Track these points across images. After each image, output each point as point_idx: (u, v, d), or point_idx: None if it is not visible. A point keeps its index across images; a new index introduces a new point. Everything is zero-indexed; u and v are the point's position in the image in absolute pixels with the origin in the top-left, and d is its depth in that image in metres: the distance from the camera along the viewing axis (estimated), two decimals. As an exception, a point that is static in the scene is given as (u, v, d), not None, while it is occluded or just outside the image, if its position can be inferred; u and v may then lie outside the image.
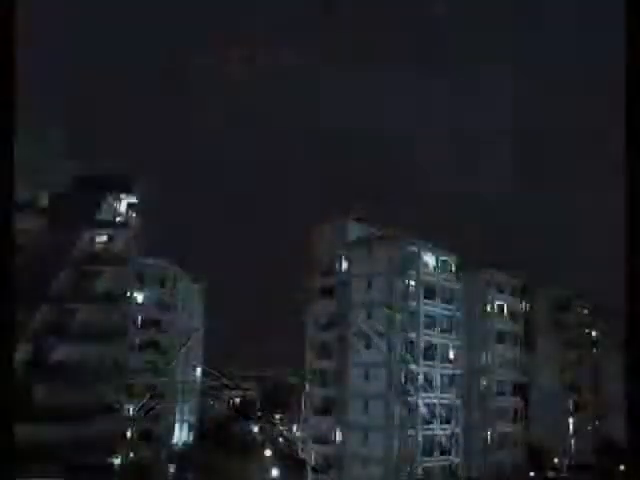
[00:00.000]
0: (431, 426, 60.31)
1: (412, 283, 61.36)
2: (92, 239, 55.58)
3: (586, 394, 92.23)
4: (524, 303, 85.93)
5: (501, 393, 74.19)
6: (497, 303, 75.64)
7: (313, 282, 69.26)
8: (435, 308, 63.32)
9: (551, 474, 78.06)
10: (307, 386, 70.74)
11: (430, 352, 61.82)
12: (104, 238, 56.12)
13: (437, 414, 61.28)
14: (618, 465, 70.24)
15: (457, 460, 61.93)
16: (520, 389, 78.31)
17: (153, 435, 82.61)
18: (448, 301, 65.10)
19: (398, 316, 59.59)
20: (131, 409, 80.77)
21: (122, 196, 56.17)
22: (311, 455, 65.28)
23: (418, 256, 62.37)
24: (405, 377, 59.07)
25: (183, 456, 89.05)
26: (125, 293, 58.67)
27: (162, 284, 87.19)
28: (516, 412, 76.49)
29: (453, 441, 62.12)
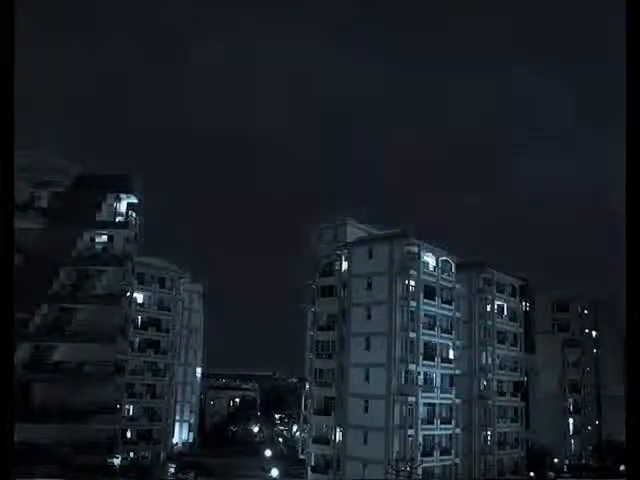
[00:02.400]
0: (431, 426, 60.24)
1: (412, 283, 61.28)
2: (92, 239, 55.57)
3: (586, 394, 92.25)
4: (524, 303, 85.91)
5: (501, 393, 74.14)
6: (497, 303, 75.61)
7: (313, 282, 69.27)
8: (435, 308, 63.28)
9: (551, 474, 78.00)
10: (307, 386, 70.71)
11: (430, 352, 61.75)
12: (104, 238, 56.09)
13: (437, 414, 61.21)
14: (618, 465, 70.28)
15: (457, 460, 61.83)
16: (520, 389, 78.28)
17: (153, 435, 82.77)
18: (448, 301, 65.05)
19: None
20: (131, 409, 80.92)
21: (122, 196, 56.12)
22: (311, 455, 65.21)
23: (418, 256, 62.28)
24: (405, 377, 59.00)
25: (183, 456, 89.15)
26: (125, 293, 58.61)
27: (162, 284, 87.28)
28: (516, 412, 76.45)
29: (453, 441, 62.04)
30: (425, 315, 62.03)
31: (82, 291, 53.04)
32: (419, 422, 58.75)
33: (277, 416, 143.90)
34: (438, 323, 63.28)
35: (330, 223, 70.72)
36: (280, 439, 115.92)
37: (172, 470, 77.73)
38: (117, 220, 55.97)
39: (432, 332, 62.36)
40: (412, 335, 59.72)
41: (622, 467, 67.59)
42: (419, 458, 56.82)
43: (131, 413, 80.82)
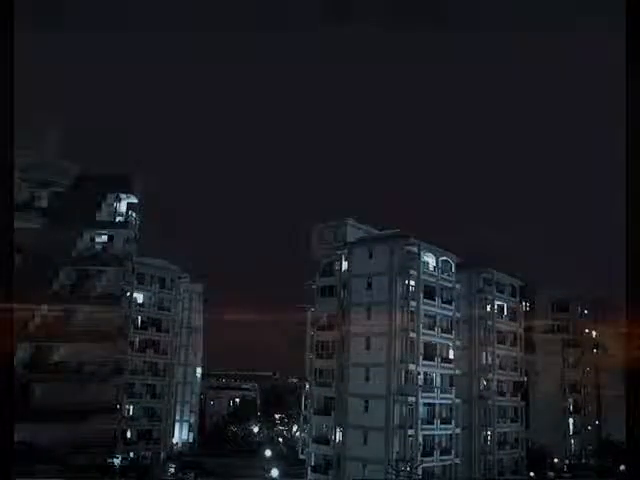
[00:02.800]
0: (431, 426, 60.22)
1: (412, 283, 61.28)
2: (92, 239, 55.62)
3: (586, 394, 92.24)
4: (524, 303, 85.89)
5: (501, 393, 74.11)
6: (497, 303, 75.59)
7: (313, 282, 69.23)
8: (435, 308, 63.27)
9: (551, 474, 77.99)
10: (307, 386, 70.68)
11: (430, 352, 61.75)
12: (104, 238, 56.13)
13: (437, 414, 61.19)
14: (618, 465, 70.25)
15: (457, 460, 61.80)
16: (520, 389, 78.26)
17: (153, 435, 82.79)
18: (448, 301, 65.04)
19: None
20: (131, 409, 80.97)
21: (122, 196, 56.18)
22: (311, 455, 65.17)
23: (418, 256, 62.28)
24: (405, 377, 58.97)
25: (183, 456, 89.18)
26: (125, 293, 58.65)
27: (162, 284, 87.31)
28: (516, 412, 76.40)
29: (453, 441, 62.00)
30: (425, 315, 62.01)
31: (82, 291, 53.06)
32: (419, 422, 58.72)
33: (277, 416, 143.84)
34: (438, 323, 63.27)
35: (330, 223, 70.69)
36: (280, 439, 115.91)
37: (172, 470, 77.74)
38: (117, 220, 56.01)
39: (432, 332, 62.34)
40: (412, 335, 59.72)
41: (622, 467, 67.58)
42: (419, 458, 56.83)
43: (131, 413, 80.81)
